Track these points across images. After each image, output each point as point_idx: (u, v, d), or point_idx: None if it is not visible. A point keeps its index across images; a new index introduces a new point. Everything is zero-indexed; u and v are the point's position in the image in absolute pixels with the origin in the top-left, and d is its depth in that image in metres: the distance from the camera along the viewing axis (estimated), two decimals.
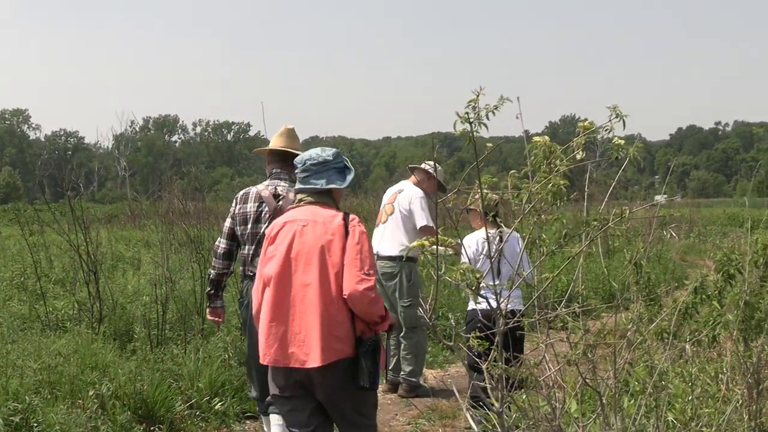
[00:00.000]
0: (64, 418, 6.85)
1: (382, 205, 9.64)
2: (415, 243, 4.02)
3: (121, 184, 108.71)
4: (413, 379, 9.32)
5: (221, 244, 7.08)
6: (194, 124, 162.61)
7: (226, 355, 8.88)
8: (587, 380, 4.34)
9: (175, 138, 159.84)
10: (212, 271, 7.18)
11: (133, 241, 21.26)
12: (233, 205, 7.07)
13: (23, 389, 7.15)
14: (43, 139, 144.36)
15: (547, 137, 3.80)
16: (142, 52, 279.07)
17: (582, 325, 4.35)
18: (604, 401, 4.32)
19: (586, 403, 5.24)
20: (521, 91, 3.80)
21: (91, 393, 7.40)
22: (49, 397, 7.39)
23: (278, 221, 5.40)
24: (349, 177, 5.38)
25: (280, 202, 6.75)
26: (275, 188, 6.93)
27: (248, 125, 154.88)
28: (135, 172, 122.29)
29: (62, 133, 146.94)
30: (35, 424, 6.74)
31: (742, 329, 5.43)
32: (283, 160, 7.01)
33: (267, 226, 6.14)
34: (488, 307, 4.06)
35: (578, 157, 3.78)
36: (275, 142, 7.11)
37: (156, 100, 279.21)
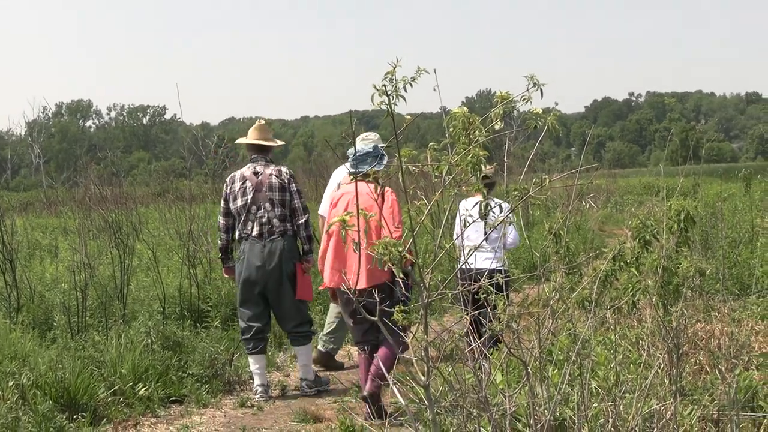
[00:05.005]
0: None
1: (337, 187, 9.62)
2: (336, 218, 4.00)
3: (36, 172, 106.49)
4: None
5: (221, 221, 8.83)
6: (109, 109, 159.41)
7: (149, 340, 8.77)
8: (512, 351, 4.37)
9: (89, 123, 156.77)
10: (219, 242, 8.98)
11: (50, 229, 20.88)
12: (224, 188, 8.82)
13: None
14: None
15: (465, 108, 3.79)
16: (52, 37, 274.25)
17: (505, 296, 4.38)
18: (529, 371, 4.35)
19: (511, 374, 5.28)
20: (437, 65, 3.79)
21: (11, 383, 7.28)
22: None
23: (338, 193, 7.91)
24: (384, 161, 7.65)
25: (259, 178, 8.56)
26: (254, 168, 8.66)
27: (164, 108, 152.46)
28: (50, 158, 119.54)
29: None
30: None
31: (661, 294, 5.53)
32: (259, 150, 8.78)
33: (251, 197, 8.51)
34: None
35: (497, 127, 3.78)
36: (251, 136, 8.81)
37: (68, 86, 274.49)
